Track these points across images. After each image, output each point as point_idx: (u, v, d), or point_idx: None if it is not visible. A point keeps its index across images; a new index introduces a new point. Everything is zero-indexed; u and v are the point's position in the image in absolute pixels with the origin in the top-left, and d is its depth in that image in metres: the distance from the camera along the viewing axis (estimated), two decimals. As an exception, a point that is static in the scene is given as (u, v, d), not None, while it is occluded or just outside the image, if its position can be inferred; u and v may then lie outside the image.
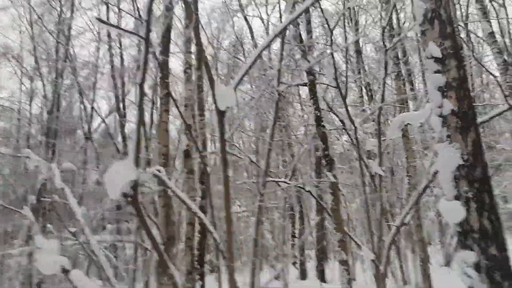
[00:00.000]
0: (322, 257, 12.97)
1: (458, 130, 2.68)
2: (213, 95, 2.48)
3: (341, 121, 6.24)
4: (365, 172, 7.14)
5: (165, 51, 4.49)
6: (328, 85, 5.14)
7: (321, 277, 12.71)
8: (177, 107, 3.65)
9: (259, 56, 2.56)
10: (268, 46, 2.61)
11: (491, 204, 2.51)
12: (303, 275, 14.09)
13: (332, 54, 5.18)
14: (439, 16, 2.94)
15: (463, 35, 15.73)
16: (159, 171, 3.67)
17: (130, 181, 2.27)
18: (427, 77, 2.98)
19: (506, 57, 11.59)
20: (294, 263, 16.51)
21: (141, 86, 2.09)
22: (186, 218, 6.55)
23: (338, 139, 8.84)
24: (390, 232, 4.74)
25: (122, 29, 2.53)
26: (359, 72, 10.20)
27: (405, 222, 4.62)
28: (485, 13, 9.27)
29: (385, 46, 5.50)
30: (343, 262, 4.74)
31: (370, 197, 6.95)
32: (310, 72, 4.96)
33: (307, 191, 5.76)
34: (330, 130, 7.61)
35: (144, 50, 2.07)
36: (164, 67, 4.30)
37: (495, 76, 4.16)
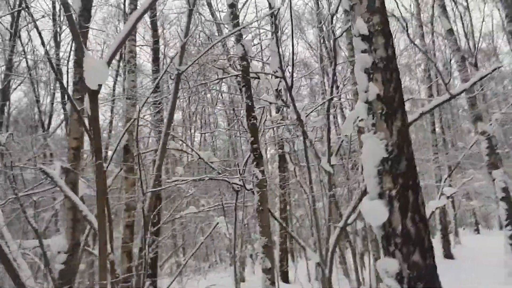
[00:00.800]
0: (284, 257, 12.68)
1: (383, 117, 2.32)
2: (81, 70, 2.00)
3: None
4: (320, 169, 6.79)
5: (83, 29, 3.94)
6: (272, 74, 4.75)
7: (285, 277, 12.41)
8: (69, 97, 3.07)
9: (134, 26, 2.11)
10: (144, 13, 2.16)
11: (416, 203, 2.16)
12: (267, 276, 13.72)
13: (277, 41, 4.78)
14: (369, -11, 2.59)
15: (430, 37, 15.93)
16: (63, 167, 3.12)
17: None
18: (355, 59, 2.59)
19: (470, 60, 11.69)
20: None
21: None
22: (123, 221, 5.99)
23: (297, 136, 8.49)
24: (334, 233, 4.40)
25: None
26: (321, 61, 9.88)
27: (348, 223, 4.29)
28: (444, 9, 9.20)
29: (334, 34, 5.17)
30: (267, 271, 4.33)
31: (324, 196, 6.62)
32: (243, 58, 4.53)
33: (249, 190, 5.36)
34: (286, 125, 7.24)
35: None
36: (79, 48, 3.72)
37: (434, 63, 3.89)
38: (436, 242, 14.94)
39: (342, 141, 6.86)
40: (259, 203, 4.46)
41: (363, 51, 2.50)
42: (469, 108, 8.62)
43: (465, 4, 17.53)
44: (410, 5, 17.36)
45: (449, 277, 9.81)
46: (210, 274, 18.01)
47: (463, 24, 19.44)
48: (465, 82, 9.06)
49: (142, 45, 11.32)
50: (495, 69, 3.27)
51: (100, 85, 1.97)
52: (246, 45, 4.48)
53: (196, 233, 20.46)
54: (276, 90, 6.42)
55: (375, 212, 2.20)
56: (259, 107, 7.90)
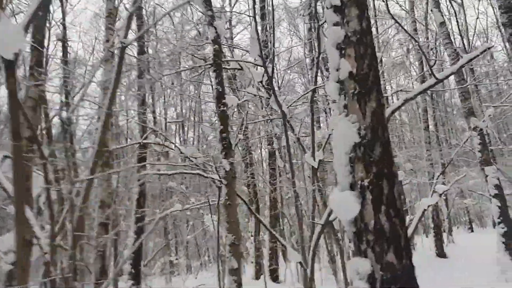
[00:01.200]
0: (273, 256, 12.40)
1: (356, 98, 2.04)
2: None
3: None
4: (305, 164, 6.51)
5: (43, 8, 3.61)
6: (250, 62, 4.45)
7: (274, 277, 12.13)
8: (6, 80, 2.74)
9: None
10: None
11: (391, 195, 1.88)
12: (257, 275, 13.46)
13: (256, 27, 4.49)
14: (342, -45, 2.30)
15: (424, 35, 15.70)
16: (7, 156, 2.82)
17: None
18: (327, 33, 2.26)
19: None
20: (252, 262, 15.88)
21: None
22: (98, 218, 5.67)
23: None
24: (315, 231, 4.11)
25: None
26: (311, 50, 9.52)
27: (330, 220, 4.02)
28: (437, 2, 8.96)
29: (317, 20, 4.88)
30: (233, 272, 4.00)
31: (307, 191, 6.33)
32: (215, 41, 4.21)
33: (223, 184, 5.04)
34: (270, 119, 6.93)
35: None
36: (38, 29, 3.39)
37: (416, 41, 3.62)
38: (429, 241, 14.75)
39: (330, 135, 6.57)
40: (226, 197, 4.14)
41: (335, 24, 2.21)
42: (462, 102, 8.38)
43: (459, 1, 17.33)
44: (405, 2, 17.15)
45: (442, 275, 9.60)
46: (202, 273, 17.72)
47: (457, 22, 19.05)
48: (457, 76, 8.83)
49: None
50: (484, 50, 3.01)
51: (17, 54, 1.66)
52: (219, 28, 4.17)
53: (188, 231, 20.15)
54: (261, 82, 6.13)
55: (345, 205, 1.92)
56: (244, 100, 7.60)
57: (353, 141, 1.98)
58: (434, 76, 2.98)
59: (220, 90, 4.05)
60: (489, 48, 3.12)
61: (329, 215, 3.97)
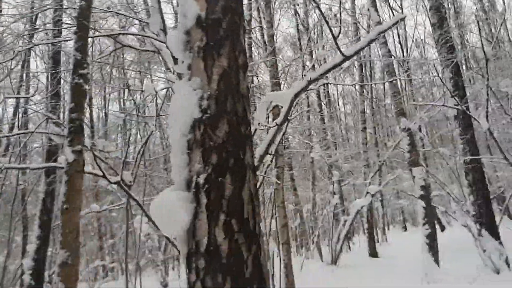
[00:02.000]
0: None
1: (202, 54, 1.38)
2: None
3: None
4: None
5: None
6: (148, 37, 3.72)
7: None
8: None
9: None
10: None
11: (238, 199, 1.24)
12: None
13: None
14: None
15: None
16: None
17: None
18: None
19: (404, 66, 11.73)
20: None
21: None
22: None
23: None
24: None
25: None
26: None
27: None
28: (374, 1, 8.85)
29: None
30: None
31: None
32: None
33: (114, 183, 4.24)
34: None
35: None
36: None
37: (317, 4, 3.14)
38: (363, 241, 14.97)
39: (255, 130, 5.99)
40: (64, 199, 3.13)
41: (189, -48, 1.54)
42: (392, 100, 8.33)
43: (400, 10, 18.03)
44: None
45: (370, 275, 9.54)
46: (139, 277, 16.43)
47: (398, 33, 19.96)
48: (390, 75, 8.78)
49: None
50: (396, 22, 2.60)
51: None
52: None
53: (121, 232, 18.68)
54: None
55: (170, 212, 1.25)
56: (163, 88, 6.78)
57: (193, 117, 1.32)
58: (341, 52, 2.47)
59: (79, 58, 3.19)
60: (401, 20, 2.72)
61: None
